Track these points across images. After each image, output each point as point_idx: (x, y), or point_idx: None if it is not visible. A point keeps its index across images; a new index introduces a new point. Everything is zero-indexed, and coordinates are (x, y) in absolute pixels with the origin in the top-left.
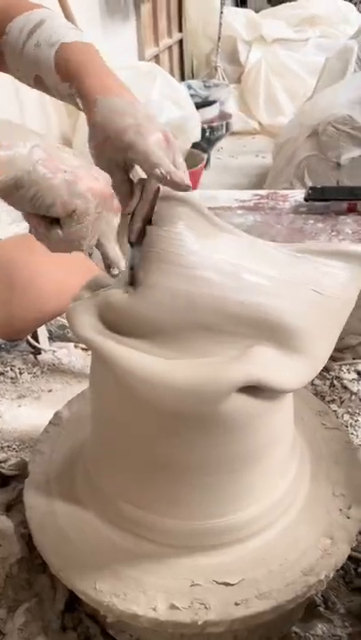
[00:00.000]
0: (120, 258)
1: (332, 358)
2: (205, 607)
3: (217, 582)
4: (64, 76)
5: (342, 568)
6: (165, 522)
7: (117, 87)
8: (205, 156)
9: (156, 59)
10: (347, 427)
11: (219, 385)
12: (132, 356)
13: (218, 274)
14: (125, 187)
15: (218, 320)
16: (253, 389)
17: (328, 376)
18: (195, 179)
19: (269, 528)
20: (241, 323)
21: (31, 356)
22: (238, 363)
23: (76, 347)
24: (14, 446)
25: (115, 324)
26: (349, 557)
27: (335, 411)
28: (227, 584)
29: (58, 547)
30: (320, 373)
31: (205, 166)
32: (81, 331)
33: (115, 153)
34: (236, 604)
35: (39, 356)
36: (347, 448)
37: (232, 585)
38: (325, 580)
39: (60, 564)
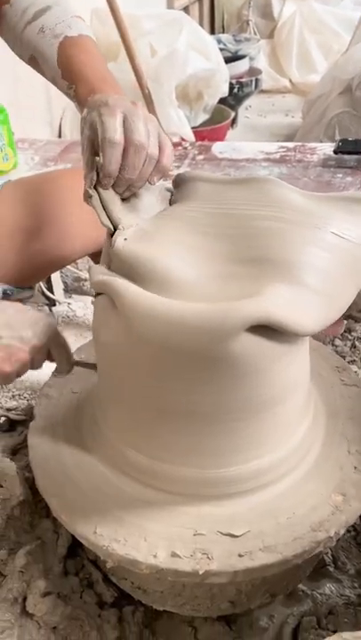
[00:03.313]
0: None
1: (355, 319)
2: (208, 557)
3: (221, 533)
4: (66, 74)
5: (354, 529)
6: (171, 469)
7: (109, 90)
8: (233, 113)
9: (186, 10)
10: None
11: (229, 322)
12: (144, 294)
13: (228, 227)
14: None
15: (229, 267)
16: (267, 331)
17: (350, 337)
18: (220, 134)
19: (279, 481)
20: (251, 265)
21: (46, 307)
22: (250, 300)
23: (93, 303)
24: (25, 395)
25: (124, 272)
26: None
27: (355, 372)
28: (231, 535)
29: (60, 489)
30: (342, 334)
31: (233, 125)
32: (95, 276)
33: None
34: (240, 556)
35: (54, 308)
36: None
37: (237, 536)
38: (335, 537)
39: (60, 506)
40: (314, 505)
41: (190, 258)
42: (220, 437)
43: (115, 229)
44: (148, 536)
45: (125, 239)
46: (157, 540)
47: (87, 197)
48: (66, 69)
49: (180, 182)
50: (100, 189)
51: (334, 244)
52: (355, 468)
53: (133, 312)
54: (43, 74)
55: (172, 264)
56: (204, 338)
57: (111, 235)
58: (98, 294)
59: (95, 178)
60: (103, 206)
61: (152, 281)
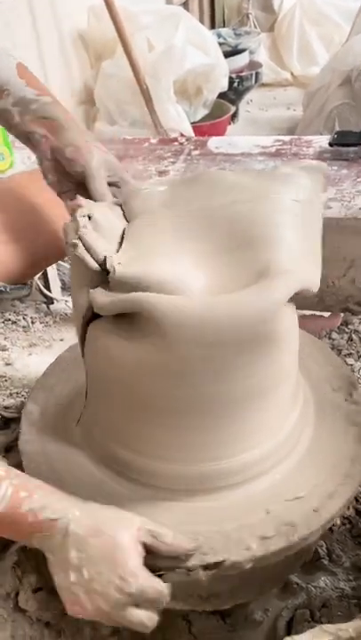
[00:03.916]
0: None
1: (352, 312)
2: (198, 552)
3: (212, 527)
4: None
5: (349, 522)
6: (159, 465)
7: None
8: (232, 107)
9: (185, 5)
10: None
11: (275, 298)
12: (183, 300)
13: (203, 224)
14: None
15: (223, 258)
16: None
17: (347, 330)
18: (220, 129)
19: (270, 472)
20: (241, 249)
21: (44, 305)
22: (284, 274)
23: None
24: (23, 393)
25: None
26: (358, 512)
27: (352, 365)
28: (222, 528)
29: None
30: (339, 327)
31: (234, 119)
32: (102, 298)
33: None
34: (231, 549)
35: (51, 306)
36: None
37: (227, 530)
38: (327, 525)
39: None
40: (307, 493)
41: (185, 262)
42: (207, 433)
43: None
44: None
45: (119, 263)
46: None
47: (74, 248)
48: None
49: (129, 197)
50: (82, 235)
51: (293, 206)
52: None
53: (179, 318)
54: None
55: (175, 272)
56: (254, 321)
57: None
58: (90, 320)
59: (77, 225)
60: (87, 250)
61: (164, 292)
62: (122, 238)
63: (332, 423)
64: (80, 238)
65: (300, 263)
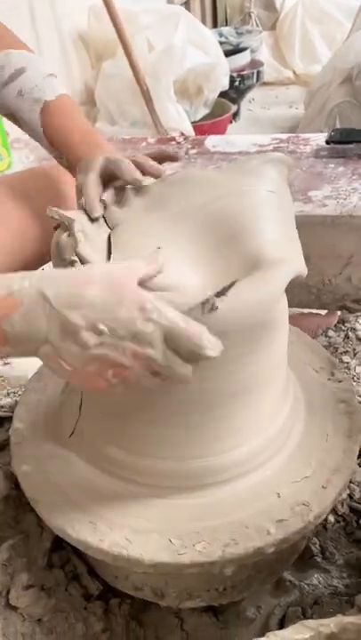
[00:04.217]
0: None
1: (349, 310)
2: (186, 548)
3: (201, 523)
4: (52, 143)
5: (343, 519)
6: (149, 462)
7: (96, 146)
8: (234, 106)
9: (187, 5)
10: (359, 379)
11: (279, 285)
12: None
13: (188, 224)
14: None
15: (216, 253)
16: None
17: (343, 328)
18: (221, 128)
19: (260, 468)
20: (228, 245)
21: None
22: (285, 261)
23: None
24: (20, 392)
25: None
26: (352, 509)
27: (348, 362)
28: (210, 525)
29: (41, 485)
30: (335, 325)
31: (235, 118)
32: None
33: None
34: (219, 545)
35: None
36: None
37: (216, 526)
38: (315, 521)
39: (40, 502)
40: (296, 489)
41: (178, 262)
42: (196, 429)
43: None
44: (124, 530)
45: None
46: (134, 533)
47: (72, 265)
48: (52, 139)
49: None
50: (80, 251)
51: (270, 197)
52: (334, 449)
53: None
54: (21, 127)
55: (171, 273)
56: (257, 311)
57: None
58: None
59: (75, 241)
60: (82, 263)
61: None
62: (108, 246)
63: (322, 406)
64: (77, 255)
65: (288, 250)
